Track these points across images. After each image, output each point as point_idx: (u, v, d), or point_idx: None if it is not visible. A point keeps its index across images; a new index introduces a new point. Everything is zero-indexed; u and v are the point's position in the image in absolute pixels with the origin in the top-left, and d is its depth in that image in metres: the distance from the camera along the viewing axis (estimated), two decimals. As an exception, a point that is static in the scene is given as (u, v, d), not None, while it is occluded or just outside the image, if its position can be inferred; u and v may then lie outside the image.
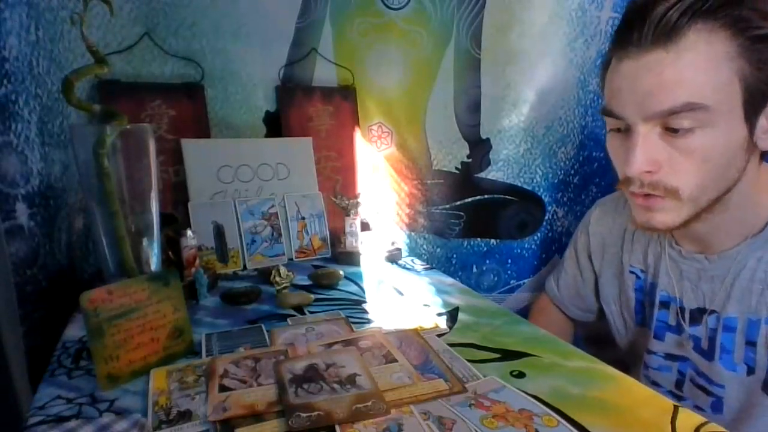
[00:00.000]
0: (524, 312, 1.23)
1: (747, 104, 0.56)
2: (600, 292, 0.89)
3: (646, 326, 0.79)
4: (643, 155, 0.59)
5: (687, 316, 0.72)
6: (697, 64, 0.55)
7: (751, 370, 0.66)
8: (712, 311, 0.69)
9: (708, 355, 0.69)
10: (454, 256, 1.24)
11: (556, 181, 1.24)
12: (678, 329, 0.73)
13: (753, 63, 0.55)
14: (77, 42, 0.88)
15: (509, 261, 1.25)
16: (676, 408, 0.51)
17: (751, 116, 0.57)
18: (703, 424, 0.48)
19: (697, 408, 0.71)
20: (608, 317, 0.88)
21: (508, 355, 0.63)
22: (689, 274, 0.71)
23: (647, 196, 0.62)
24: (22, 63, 0.72)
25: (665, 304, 0.75)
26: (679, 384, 0.74)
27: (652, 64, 0.56)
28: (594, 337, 0.96)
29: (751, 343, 0.66)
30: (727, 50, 0.55)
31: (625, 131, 0.62)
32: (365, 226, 1.15)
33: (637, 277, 0.80)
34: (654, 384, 0.77)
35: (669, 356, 0.75)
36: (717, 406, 0.69)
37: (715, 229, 0.67)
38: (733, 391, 0.68)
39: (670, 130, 0.58)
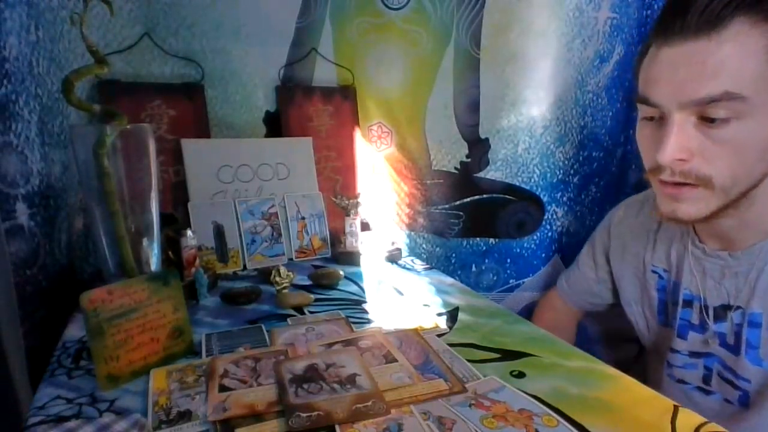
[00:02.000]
0: (524, 311, 1.23)
1: None
2: (620, 294, 0.89)
3: (669, 326, 0.79)
4: (677, 143, 0.59)
5: (711, 313, 0.72)
6: (738, 55, 0.55)
7: None
8: (738, 307, 0.69)
9: (734, 350, 0.70)
10: (454, 255, 1.24)
11: (554, 180, 1.24)
12: (701, 328, 0.73)
13: None
14: (77, 42, 0.88)
15: (508, 260, 1.25)
16: (676, 408, 0.51)
17: None
18: (703, 424, 0.48)
19: (727, 401, 0.72)
20: (630, 318, 0.88)
21: (508, 355, 0.63)
22: (712, 272, 0.72)
23: (677, 185, 0.62)
24: (22, 63, 0.72)
25: (688, 303, 0.75)
26: (706, 379, 0.74)
27: (694, 52, 0.57)
28: (613, 334, 0.96)
29: None
30: (766, 43, 0.55)
31: (659, 120, 0.62)
32: (365, 226, 1.15)
33: (660, 276, 0.80)
34: (680, 382, 0.77)
35: (693, 354, 0.75)
36: (744, 400, 0.70)
37: (740, 226, 0.67)
38: (758, 385, 0.68)
39: (706, 120, 0.58)
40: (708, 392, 0.74)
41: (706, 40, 0.56)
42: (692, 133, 0.59)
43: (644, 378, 0.59)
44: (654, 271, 0.81)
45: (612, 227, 0.90)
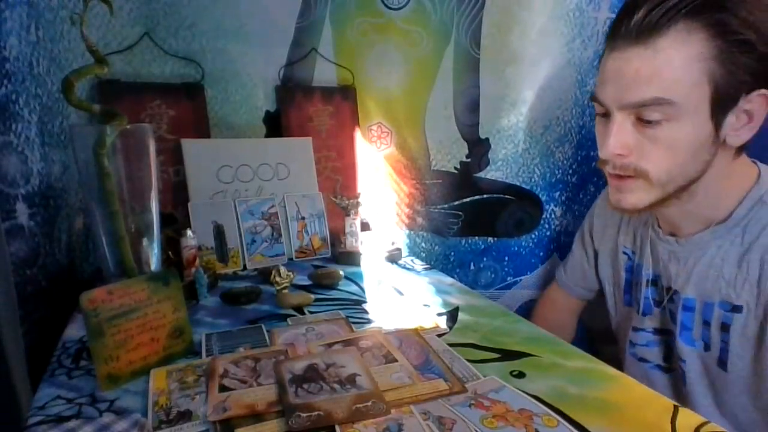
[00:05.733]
0: (523, 310, 1.24)
1: (714, 104, 0.60)
2: (599, 272, 0.94)
3: (633, 305, 0.84)
4: (616, 140, 0.64)
5: (665, 293, 0.77)
6: (671, 63, 0.59)
7: (707, 347, 0.71)
8: (676, 291, 0.74)
9: (677, 329, 0.74)
10: (452, 254, 1.24)
11: (554, 180, 1.24)
12: (662, 305, 0.78)
13: (726, 66, 0.58)
14: (77, 42, 0.88)
15: (506, 258, 1.26)
16: (676, 408, 0.51)
17: (717, 115, 0.60)
18: (702, 424, 0.48)
19: (681, 380, 0.76)
20: (606, 298, 0.93)
21: (508, 355, 0.63)
22: (662, 255, 0.77)
23: (620, 177, 0.68)
24: (23, 63, 0.72)
25: (652, 282, 0.80)
26: (666, 357, 0.79)
27: (632, 58, 0.61)
28: (609, 332, 0.98)
29: (706, 323, 0.70)
30: (702, 51, 0.58)
31: (607, 117, 0.67)
32: (365, 226, 1.15)
33: (629, 258, 0.85)
34: (642, 360, 0.81)
35: (657, 331, 0.80)
36: (684, 379, 0.74)
37: (684, 215, 0.72)
38: (693, 365, 0.73)
39: (643, 120, 0.62)
40: (667, 370, 0.79)
41: (643, 48, 0.60)
42: (630, 131, 0.64)
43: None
44: (624, 252, 0.86)
45: (596, 209, 0.96)
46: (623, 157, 0.65)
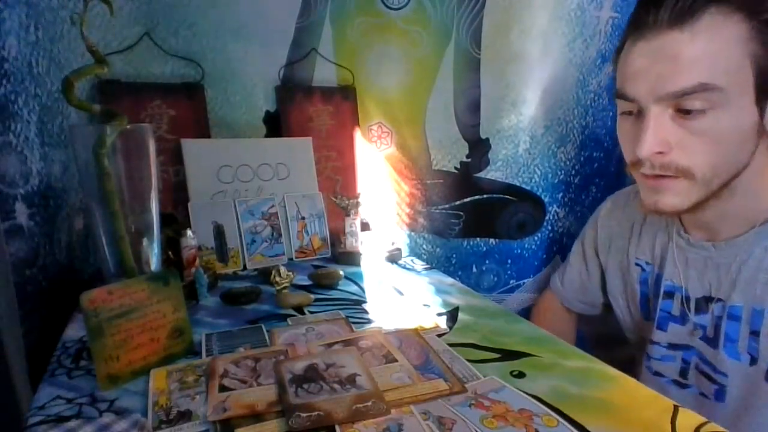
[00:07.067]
0: (525, 312, 1.23)
1: (758, 87, 0.57)
2: (607, 287, 0.89)
3: (651, 319, 0.79)
4: (655, 137, 0.59)
5: (692, 305, 0.72)
6: (711, 46, 0.55)
7: (753, 360, 0.66)
8: (718, 299, 0.69)
9: (713, 343, 0.69)
10: (454, 255, 1.24)
11: (555, 181, 1.24)
12: (682, 319, 0.73)
13: (765, 46, 0.55)
14: (77, 42, 0.88)
15: (509, 261, 1.25)
16: (676, 408, 0.51)
17: (762, 100, 0.57)
18: (703, 424, 0.48)
19: (702, 395, 0.72)
20: (616, 312, 0.88)
21: (508, 355, 0.63)
22: (696, 263, 0.71)
23: (658, 177, 0.62)
24: (22, 63, 0.72)
25: (670, 294, 0.75)
26: (683, 372, 0.74)
27: (667, 45, 0.57)
28: (603, 337, 0.97)
29: (754, 333, 0.65)
30: (740, 33, 0.55)
31: (637, 114, 0.63)
32: (365, 226, 1.15)
33: (643, 269, 0.80)
34: (657, 374, 0.77)
35: (672, 346, 0.75)
36: (720, 395, 0.70)
37: (722, 217, 0.67)
38: (735, 380, 0.68)
39: (682, 112, 0.58)
40: (684, 386, 0.74)
41: (679, 32, 0.56)
42: (669, 125, 0.59)
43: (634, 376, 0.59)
44: (637, 264, 0.81)
45: (599, 220, 0.90)
46: (663, 155, 0.60)
